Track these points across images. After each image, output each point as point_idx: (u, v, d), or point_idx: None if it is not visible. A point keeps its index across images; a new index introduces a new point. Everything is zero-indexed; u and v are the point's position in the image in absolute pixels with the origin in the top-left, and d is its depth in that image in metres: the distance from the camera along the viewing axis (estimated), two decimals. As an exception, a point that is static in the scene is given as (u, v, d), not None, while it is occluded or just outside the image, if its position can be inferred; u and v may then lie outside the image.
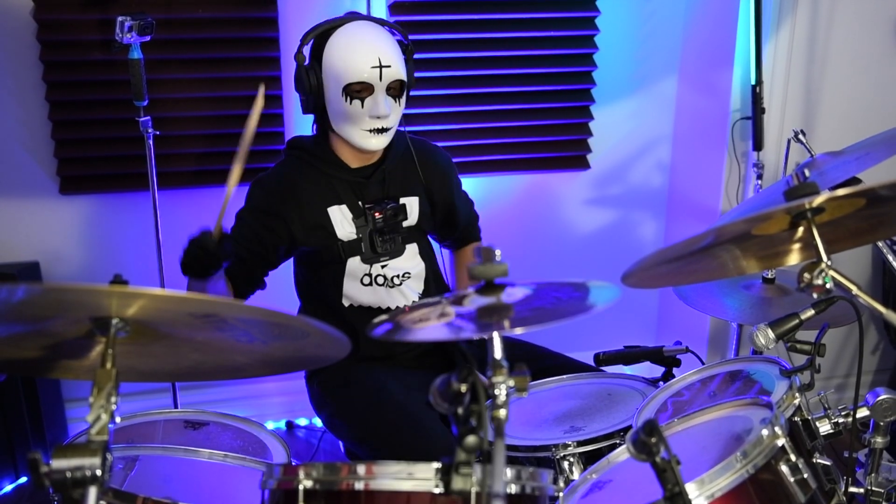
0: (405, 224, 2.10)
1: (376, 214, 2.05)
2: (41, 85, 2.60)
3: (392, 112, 1.99)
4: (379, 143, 2.01)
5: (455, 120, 2.90)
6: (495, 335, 1.12)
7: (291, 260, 2.19)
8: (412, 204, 2.12)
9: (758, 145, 2.74)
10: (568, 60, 2.94)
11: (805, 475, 1.34)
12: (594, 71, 2.95)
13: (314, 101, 2.02)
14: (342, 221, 2.06)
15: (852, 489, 1.56)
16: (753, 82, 2.69)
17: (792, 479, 1.34)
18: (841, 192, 1.23)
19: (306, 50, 2.01)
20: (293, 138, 2.17)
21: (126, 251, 2.82)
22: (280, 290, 2.26)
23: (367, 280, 2.09)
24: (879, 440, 1.59)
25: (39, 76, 2.59)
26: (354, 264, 2.07)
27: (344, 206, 2.06)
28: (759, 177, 2.74)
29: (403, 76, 2.00)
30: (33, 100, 2.62)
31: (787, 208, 1.27)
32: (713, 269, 1.52)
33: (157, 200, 2.47)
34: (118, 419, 1.08)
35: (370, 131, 1.99)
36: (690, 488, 1.25)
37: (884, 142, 1.85)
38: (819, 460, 1.45)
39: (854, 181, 1.84)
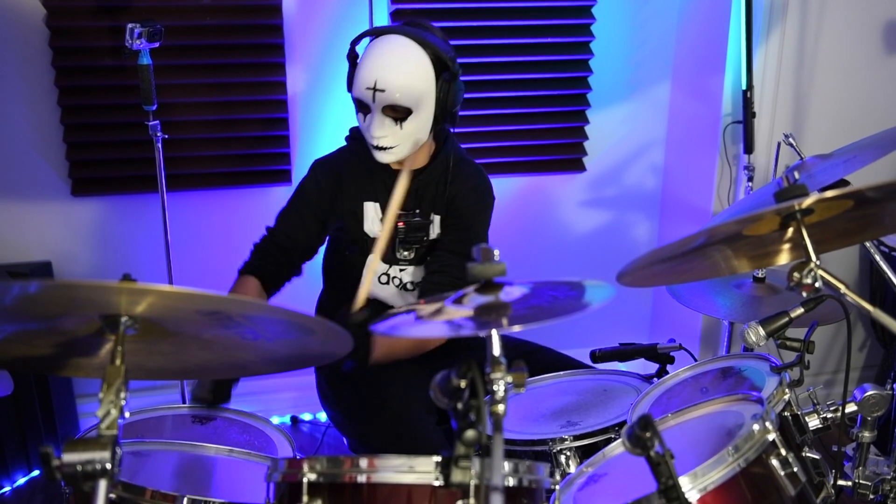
0: (431, 237, 2.08)
1: (400, 224, 2.02)
2: (53, 90, 2.60)
3: (389, 135, 1.91)
4: (383, 157, 1.95)
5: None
6: (494, 333, 1.12)
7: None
8: (437, 221, 2.08)
9: (748, 148, 2.74)
10: (564, 66, 2.94)
11: (795, 469, 1.34)
12: (590, 76, 2.95)
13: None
14: (373, 218, 2.06)
15: (841, 482, 1.56)
16: (744, 87, 2.69)
17: (782, 473, 1.34)
18: (830, 193, 1.23)
19: (353, 49, 1.98)
20: (355, 127, 2.10)
21: (135, 252, 2.82)
22: (295, 284, 2.26)
23: (384, 279, 2.09)
24: (867, 435, 1.59)
25: (52, 81, 2.59)
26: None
27: (377, 205, 2.05)
28: (750, 179, 2.74)
29: (406, 103, 1.89)
30: (46, 104, 2.62)
31: (778, 209, 1.27)
32: (705, 268, 1.51)
33: (166, 202, 2.46)
34: (127, 414, 1.08)
35: (372, 146, 1.95)
36: (683, 481, 1.25)
37: (871, 145, 1.85)
38: (808, 454, 1.45)
39: (842, 183, 1.84)
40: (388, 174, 2.02)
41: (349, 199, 2.06)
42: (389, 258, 2.07)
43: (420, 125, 1.93)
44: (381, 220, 2.04)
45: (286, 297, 2.22)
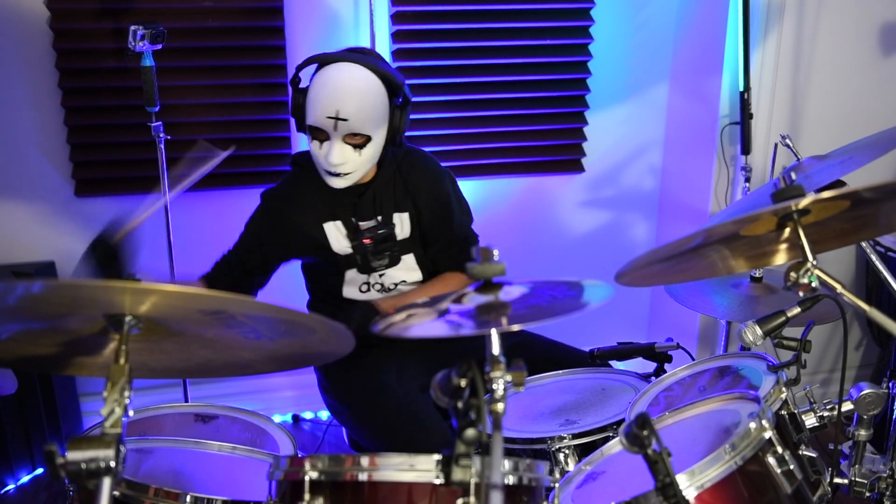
0: (400, 237, 2.09)
1: (365, 241, 2.03)
2: (57, 92, 2.60)
3: (347, 161, 1.92)
4: (337, 183, 1.97)
5: (455, 125, 2.90)
6: (493, 332, 1.12)
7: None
8: (403, 219, 2.09)
9: (746, 149, 2.74)
10: (563, 68, 2.94)
11: (791, 466, 1.35)
12: (588, 78, 2.95)
13: (298, 123, 2.00)
14: (337, 237, 2.06)
15: (837, 480, 1.56)
16: (741, 89, 2.69)
17: (779, 471, 1.34)
18: (826, 194, 1.23)
19: (302, 74, 1.98)
20: (297, 153, 2.15)
21: (138, 252, 2.81)
22: (288, 284, 2.26)
23: (364, 287, 2.10)
24: (863, 433, 1.60)
25: (55, 83, 2.59)
26: (352, 274, 2.09)
27: (339, 223, 2.06)
28: (747, 180, 2.74)
29: (366, 131, 1.91)
30: (49, 106, 2.62)
31: (775, 210, 1.27)
32: (703, 268, 1.52)
33: (169, 203, 2.46)
34: (131, 413, 1.08)
35: (327, 172, 1.96)
36: (681, 479, 1.25)
37: (867, 146, 1.85)
38: (805, 452, 1.45)
39: (839, 184, 1.83)
40: (343, 191, 2.02)
41: (309, 227, 2.05)
42: (365, 269, 2.08)
43: (376, 150, 1.97)
44: (346, 235, 2.05)
45: (285, 299, 2.22)
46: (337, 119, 1.89)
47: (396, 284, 2.11)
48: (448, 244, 2.14)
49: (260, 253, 2.08)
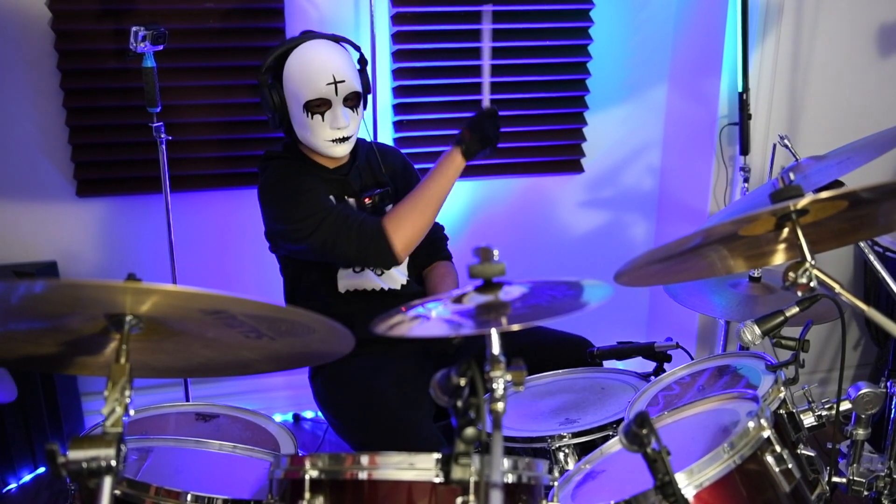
0: (388, 209, 2.13)
1: (366, 200, 2.11)
2: (59, 92, 2.60)
3: (351, 122, 2.04)
4: (342, 150, 2.06)
5: (455, 126, 2.89)
6: (493, 332, 1.12)
7: (277, 268, 2.23)
8: (389, 190, 2.18)
9: (744, 150, 2.74)
10: (562, 69, 2.94)
11: (790, 465, 1.34)
12: (588, 78, 2.95)
13: (279, 117, 2.05)
14: None
15: (835, 479, 1.56)
16: (740, 90, 2.69)
17: (777, 470, 1.34)
18: (824, 194, 1.23)
19: (267, 71, 2.03)
20: (267, 151, 2.16)
21: (140, 252, 2.82)
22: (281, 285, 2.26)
23: (359, 268, 2.12)
24: (861, 432, 1.59)
25: (57, 84, 2.59)
26: None
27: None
28: (746, 180, 2.74)
29: (358, 88, 2.05)
30: (51, 107, 2.62)
31: (773, 210, 1.27)
32: (702, 268, 1.52)
33: (170, 203, 2.46)
34: (132, 412, 1.08)
35: (332, 141, 2.03)
36: (680, 478, 1.25)
37: (865, 146, 1.85)
38: (803, 451, 1.45)
39: (837, 184, 1.84)
40: (326, 172, 2.12)
41: None
42: None
43: (362, 110, 2.10)
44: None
45: (282, 295, 2.22)
46: (336, 83, 1.99)
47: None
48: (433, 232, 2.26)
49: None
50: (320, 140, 2.03)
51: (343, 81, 2.00)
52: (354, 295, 2.13)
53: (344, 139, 2.04)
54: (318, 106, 2.00)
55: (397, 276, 2.17)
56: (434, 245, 2.29)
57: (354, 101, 2.05)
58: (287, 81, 2.02)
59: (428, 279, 2.28)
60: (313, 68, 1.99)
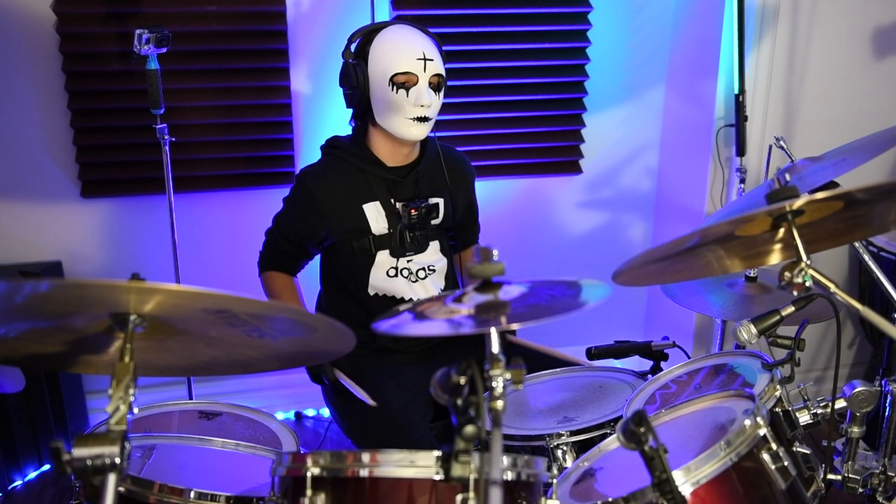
0: (433, 222, 2.12)
1: (412, 211, 2.07)
2: (63, 94, 2.60)
3: (433, 103, 2.01)
4: (420, 132, 2.02)
5: (454, 127, 2.90)
6: (493, 331, 1.12)
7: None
8: (440, 204, 2.14)
9: (741, 151, 2.74)
10: (561, 71, 2.94)
11: (786, 463, 1.34)
12: (586, 81, 2.95)
13: (359, 94, 2.03)
14: (377, 217, 2.07)
15: (830, 476, 1.57)
16: (736, 91, 2.69)
17: (773, 467, 1.34)
18: (820, 195, 1.23)
19: (353, 48, 2.04)
20: (332, 138, 2.16)
21: (143, 252, 2.82)
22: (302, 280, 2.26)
23: (392, 272, 2.10)
24: (856, 430, 1.60)
25: (62, 86, 2.59)
26: (383, 257, 2.08)
27: (378, 203, 2.07)
28: (742, 181, 2.74)
29: (443, 71, 2.04)
30: (56, 108, 2.62)
31: (769, 210, 1.27)
32: (699, 268, 1.51)
33: (173, 203, 2.46)
34: (136, 410, 1.09)
35: (413, 119, 2.00)
36: (677, 475, 1.25)
37: (860, 147, 1.85)
38: (799, 449, 1.45)
39: (832, 185, 1.83)
40: (382, 170, 2.08)
41: (350, 211, 2.06)
42: (397, 252, 2.08)
43: (442, 97, 2.07)
44: (385, 216, 2.07)
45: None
46: (425, 59, 2.00)
47: (425, 270, 2.12)
48: (471, 223, 2.33)
49: (297, 235, 2.13)
50: (401, 118, 2.00)
51: (432, 60, 2.00)
52: (382, 298, 2.11)
53: (425, 119, 2.00)
54: (403, 81, 1.98)
55: (432, 289, 2.14)
56: (467, 231, 2.34)
57: (437, 84, 2.03)
58: (374, 56, 2.00)
59: (464, 260, 2.34)
60: (405, 43, 2.00)
